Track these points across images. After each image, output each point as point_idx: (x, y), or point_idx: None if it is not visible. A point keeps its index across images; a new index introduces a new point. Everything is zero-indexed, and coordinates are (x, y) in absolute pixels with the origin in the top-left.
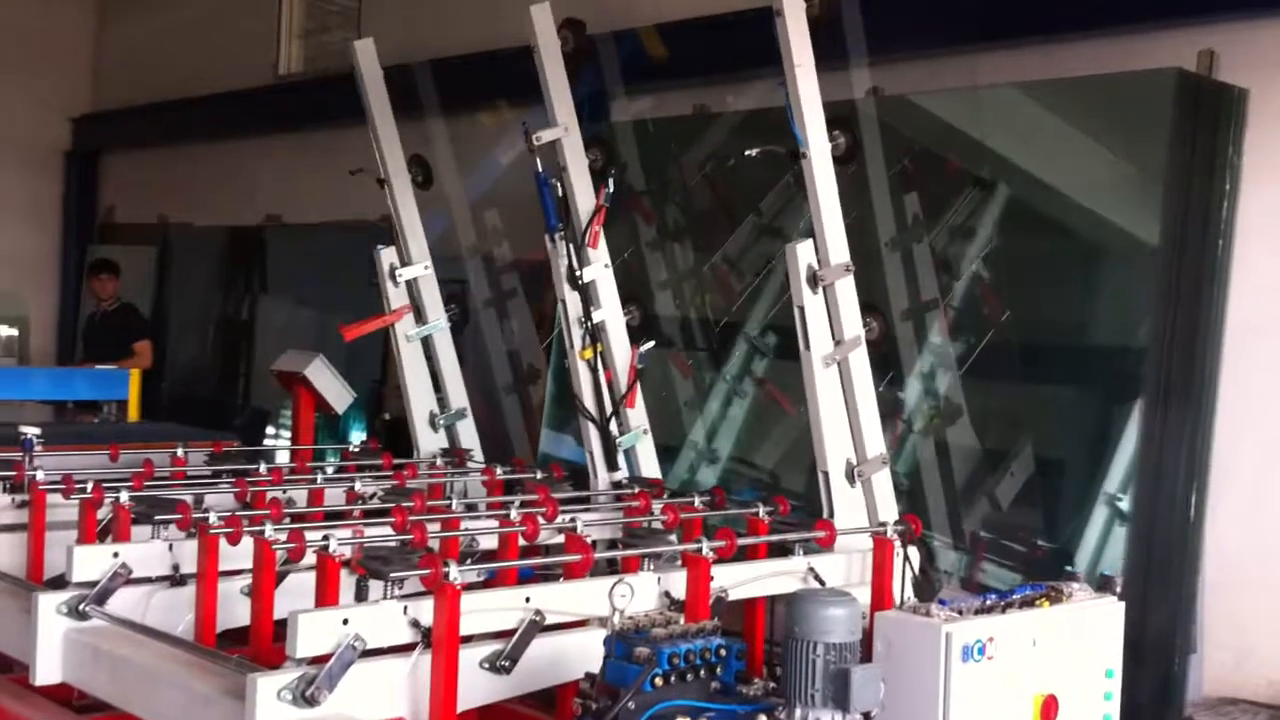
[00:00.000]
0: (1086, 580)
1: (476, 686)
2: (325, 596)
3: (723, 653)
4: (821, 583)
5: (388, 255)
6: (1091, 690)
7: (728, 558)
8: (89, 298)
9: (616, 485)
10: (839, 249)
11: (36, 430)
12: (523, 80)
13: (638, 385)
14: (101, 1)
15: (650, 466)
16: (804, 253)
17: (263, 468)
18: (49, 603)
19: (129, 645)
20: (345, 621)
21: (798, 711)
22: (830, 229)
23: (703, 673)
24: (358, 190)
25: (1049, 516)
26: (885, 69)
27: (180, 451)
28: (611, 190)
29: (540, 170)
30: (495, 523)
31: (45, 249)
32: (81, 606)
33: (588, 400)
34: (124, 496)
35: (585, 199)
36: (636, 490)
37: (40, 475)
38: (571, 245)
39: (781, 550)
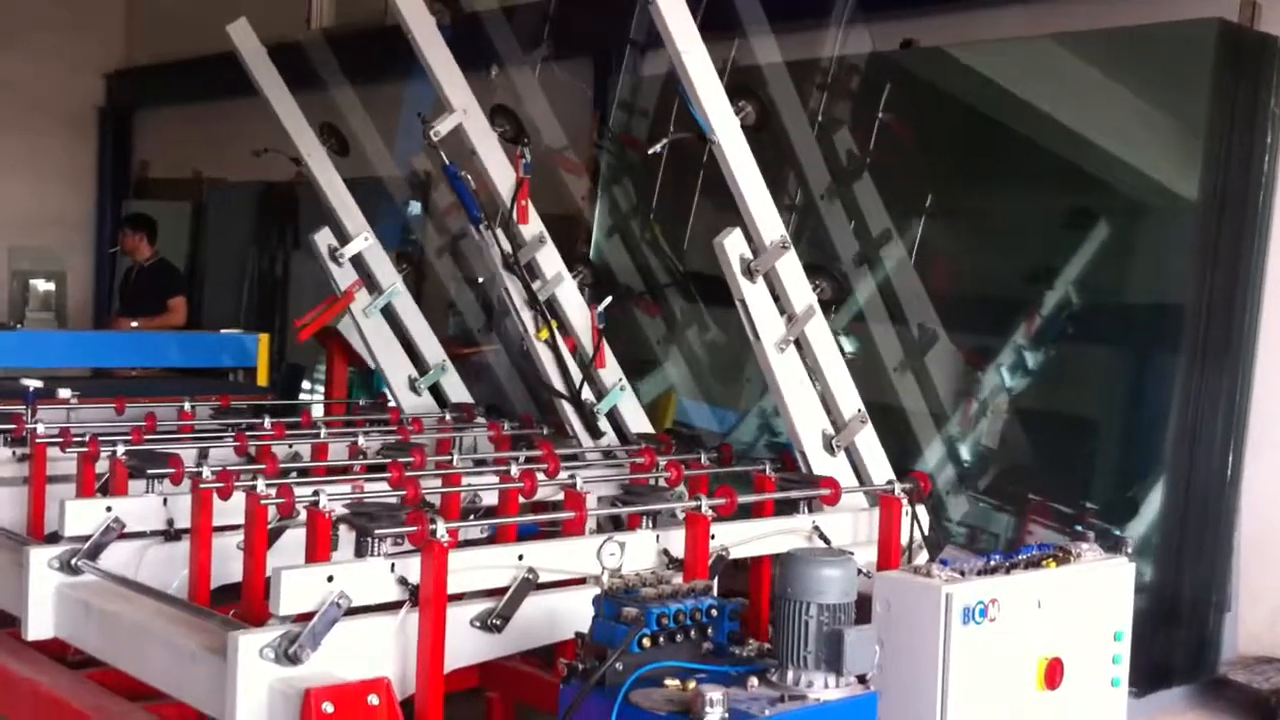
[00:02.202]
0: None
1: (466, 645)
2: (315, 553)
3: (714, 613)
4: (826, 541)
5: (324, 238)
6: (1100, 653)
7: (728, 515)
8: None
9: (630, 440)
10: (771, 227)
11: (39, 383)
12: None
13: (604, 344)
14: None
15: (638, 420)
16: (734, 245)
17: (266, 422)
18: (40, 557)
19: (119, 601)
20: (330, 579)
21: (790, 673)
22: (758, 210)
23: (693, 633)
24: (389, 145)
25: (1088, 476)
26: (919, 21)
27: (187, 405)
28: (529, 159)
29: (447, 162)
30: (495, 479)
31: (81, 205)
32: (73, 561)
33: (556, 380)
34: (120, 450)
35: (503, 176)
36: (641, 446)
37: (41, 429)
38: (498, 230)
39: (792, 508)
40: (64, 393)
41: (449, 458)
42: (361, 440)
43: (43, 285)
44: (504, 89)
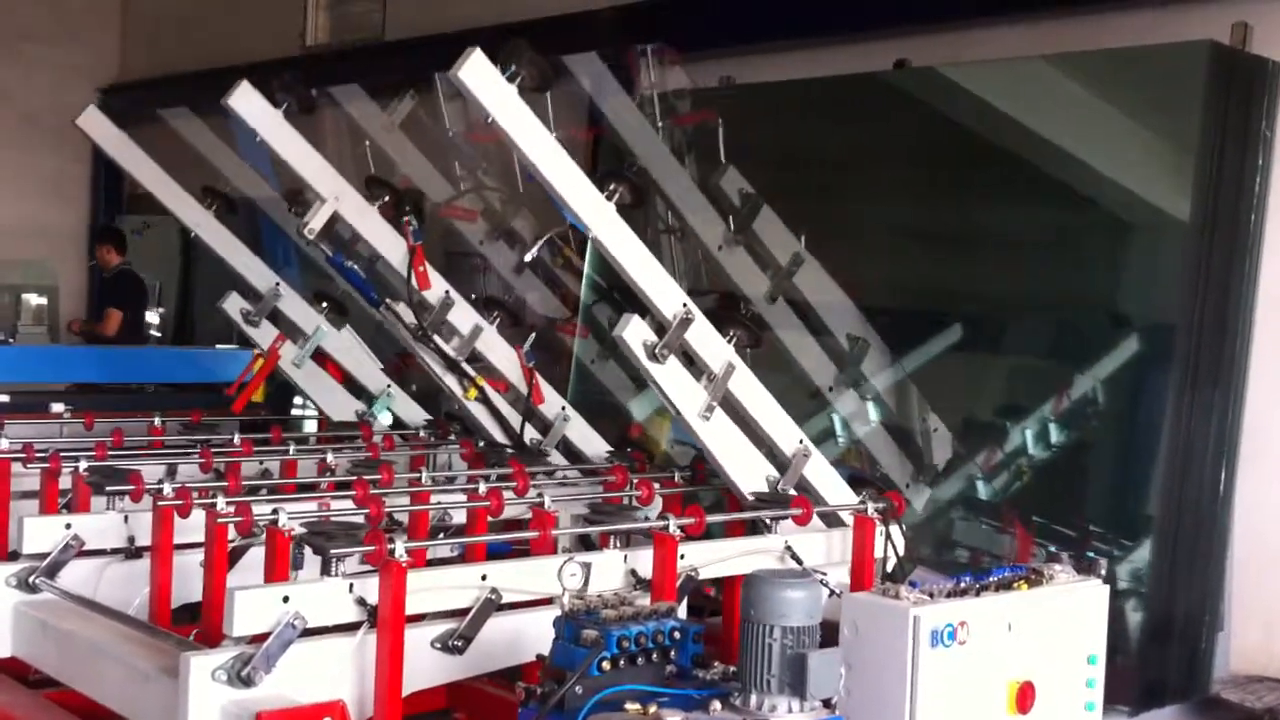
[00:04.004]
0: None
1: (427, 667)
2: (274, 572)
3: (677, 635)
4: (799, 562)
5: (234, 305)
6: (1073, 676)
7: (697, 535)
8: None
9: (609, 456)
10: (669, 302)
11: (4, 397)
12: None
13: (537, 379)
14: None
15: (592, 442)
16: (634, 334)
17: (236, 438)
18: None
19: (76, 620)
20: (285, 599)
21: (753, 697)
22: (653, 291)
23: (655, 656)
24: (382, 159)
25: (1081, 496)
26: (911, 40)
27: (157, 421)
28: (416, 225)
29: (330, 253)
30: (462, 496)
31: (74, 219)
32: (31, 579)
33: (496, 432)
34: (82, 466)
35: (392, 248)
36: (612, 465)
37: (4, 444)
38: (398, 307)
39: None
40: (56, 407)
41: (418, 475)
42: (330, 457)
43: (34, 299)
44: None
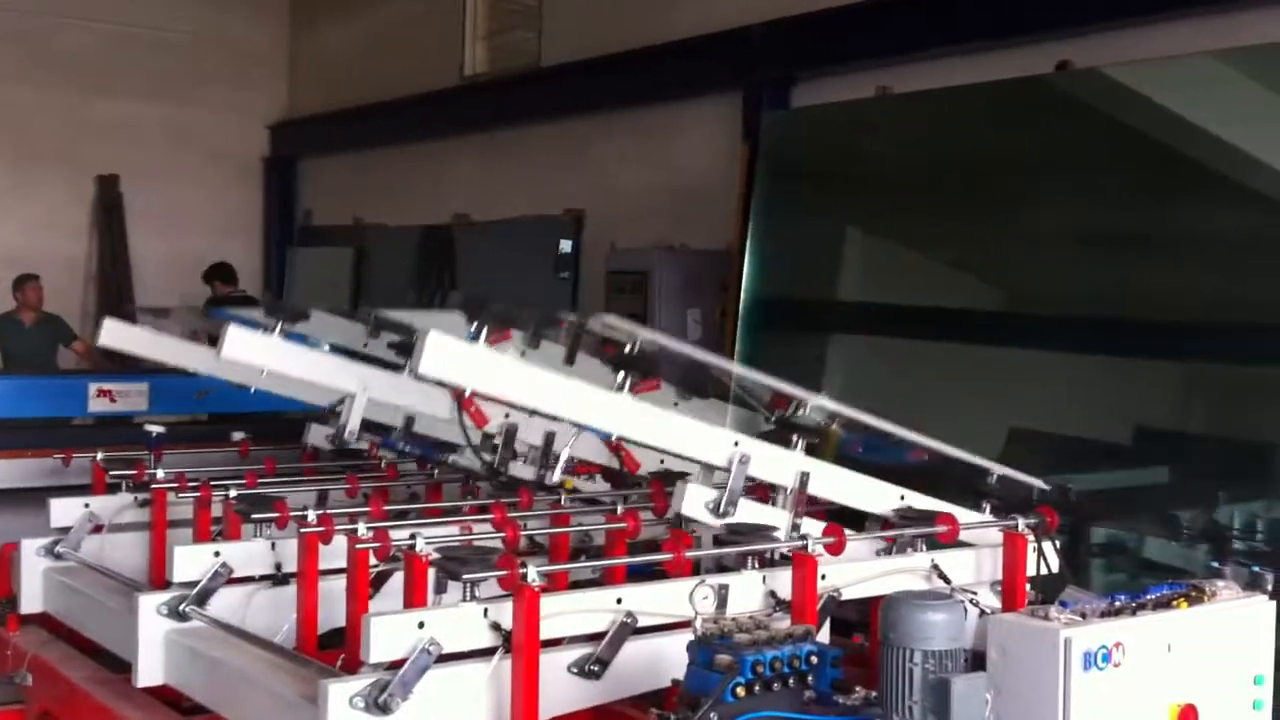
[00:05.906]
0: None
1: (564, 692)
2: (412, 598)
3: (814, 660)
4: (946, 581)
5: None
6: (1238, 698)
7: (837, 554)
8: None
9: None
10: (718, 449)
11: (161, 428)
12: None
13: (625, 449)
14: (295, 13)
15: None
16: (694, 500)
17: (383, 464)
18: (149, 604)
19: (224, 647)
20: (421, 625)
21: None
22: (697, 451)
23: (792, 682)
24: (542, 187)
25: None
26: (1071, 43)
27: (310, 446)
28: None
29: (380, 440)
30: (603, 519)
31: (248, 252)
32: (181, 607)
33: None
34: (232, 494)
35: (437, 400)
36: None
37: (161, 474)
38: (464, 453)
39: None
40: (237, 435)
41: (558, 498)
42: (473, 481)
43: None
44: None
